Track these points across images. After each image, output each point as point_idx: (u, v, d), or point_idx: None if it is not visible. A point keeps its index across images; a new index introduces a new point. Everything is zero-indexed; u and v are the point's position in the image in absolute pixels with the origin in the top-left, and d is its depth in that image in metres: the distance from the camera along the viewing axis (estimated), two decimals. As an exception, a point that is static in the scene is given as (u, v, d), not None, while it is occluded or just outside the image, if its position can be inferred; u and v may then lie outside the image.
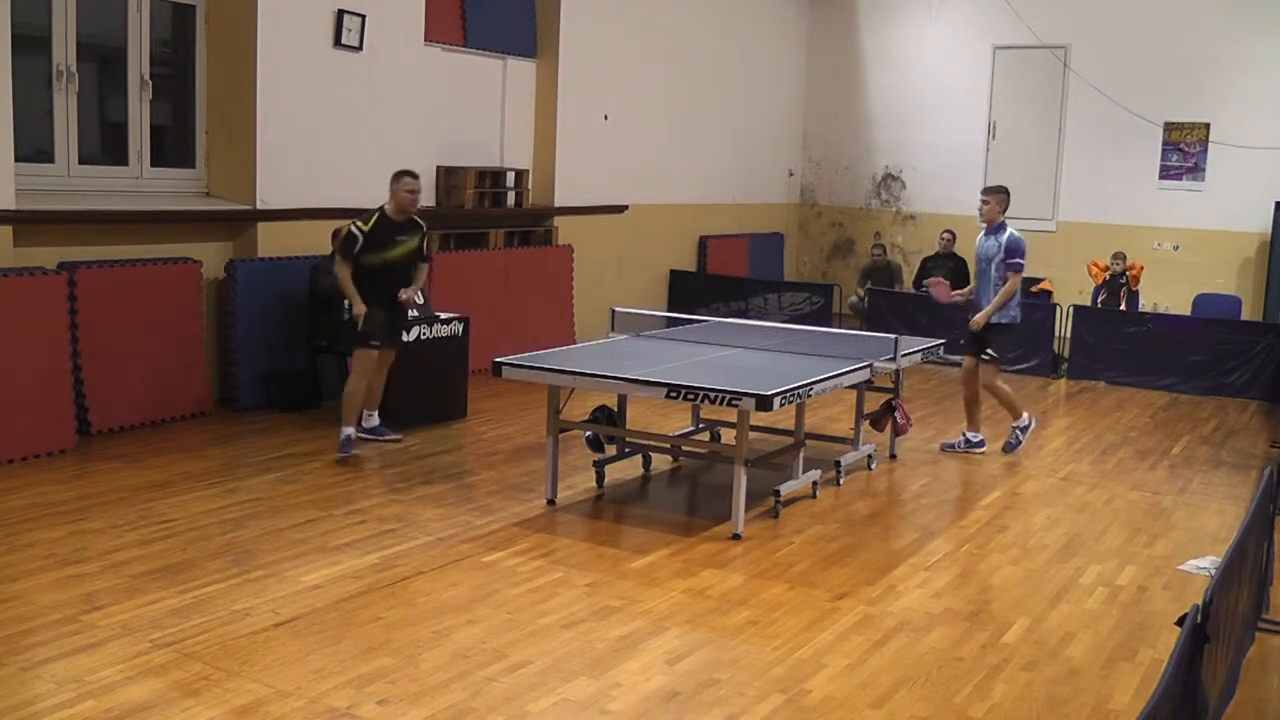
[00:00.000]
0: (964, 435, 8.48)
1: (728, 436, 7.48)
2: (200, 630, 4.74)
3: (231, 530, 6.02)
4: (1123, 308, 12.37)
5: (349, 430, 7.54)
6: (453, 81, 10.98)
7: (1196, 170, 13.96)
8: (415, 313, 8.22)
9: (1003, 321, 8.14)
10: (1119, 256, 12.64)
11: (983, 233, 8.25)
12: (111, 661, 4.41)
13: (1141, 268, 12.83)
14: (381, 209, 7.52)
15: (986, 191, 8.26)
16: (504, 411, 9.14)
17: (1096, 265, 12.89)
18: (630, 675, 4.52)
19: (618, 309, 8.15)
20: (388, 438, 7.98)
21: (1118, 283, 12.56)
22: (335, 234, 8.69)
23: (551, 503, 6.78)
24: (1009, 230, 8.09)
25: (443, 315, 8.71)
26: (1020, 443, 8.37)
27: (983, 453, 8.39)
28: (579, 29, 11.97)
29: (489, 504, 6.73)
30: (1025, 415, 8.41)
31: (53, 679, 4.25)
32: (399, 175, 7.58)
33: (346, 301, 7.48)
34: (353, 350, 7.63)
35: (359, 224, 7.42)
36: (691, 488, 7.56)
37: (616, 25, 12.50)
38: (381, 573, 5.52)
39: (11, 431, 7.03)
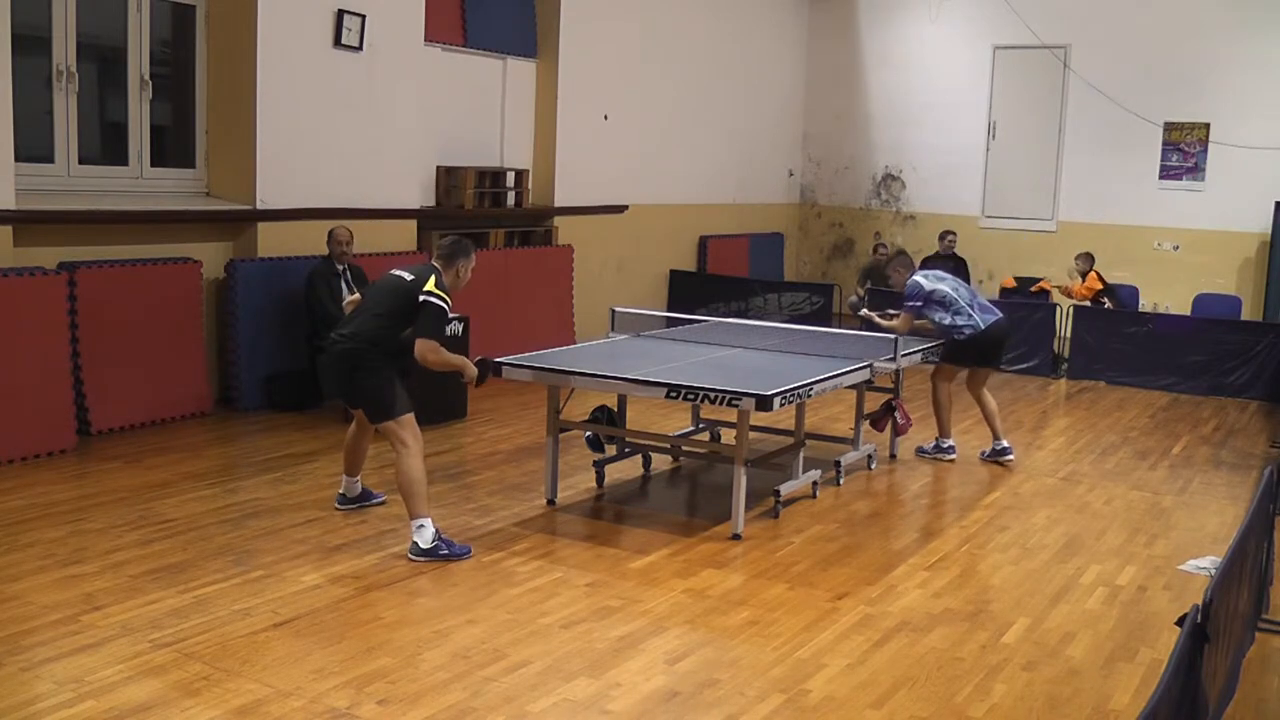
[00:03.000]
0: (993, 445, 8.31)
1: (728, 436, 7.48)
2: (200, 630, 4.74)
3: (231, 530, 6.02)
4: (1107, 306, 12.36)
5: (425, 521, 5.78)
6: (453, 81, 10.98)
7: (1196, 170, 13.95)
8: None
9: (956, 338, 8.05)
10: (1084, 257, 12.54)
11: None
12: (111, 661, 4.41)
13: (1100, 281, 12.61)
14: (438, 273, 5.82)
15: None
16: (504, 411, 9.14)
17: (1078, 288, 12.72)
18: (630, 675, 4.52)
19: (618, 309, 8.15)
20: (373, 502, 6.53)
21: (1099, 299, 12.53)
22: (330, 235, 8.67)
23: (551, 503, 6.78)
24: (914, 277, 8.16)
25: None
26: (929, 454, 8.31)
27: (1009, 460, 8.18)
28: (579, 29, 11.97)
29: (489, 504, 6.73)
30: (951, 440, 8.33)
31: (53, 679, 4.25)
32: (468, 248, 5.97)
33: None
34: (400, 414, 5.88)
35: (445, 295, 5.76)
36: (691, 488, 7.56)
37: (616, 25, 12.50)
38: (381, 573, 5.52)
39: (11, 431, 7.03)
